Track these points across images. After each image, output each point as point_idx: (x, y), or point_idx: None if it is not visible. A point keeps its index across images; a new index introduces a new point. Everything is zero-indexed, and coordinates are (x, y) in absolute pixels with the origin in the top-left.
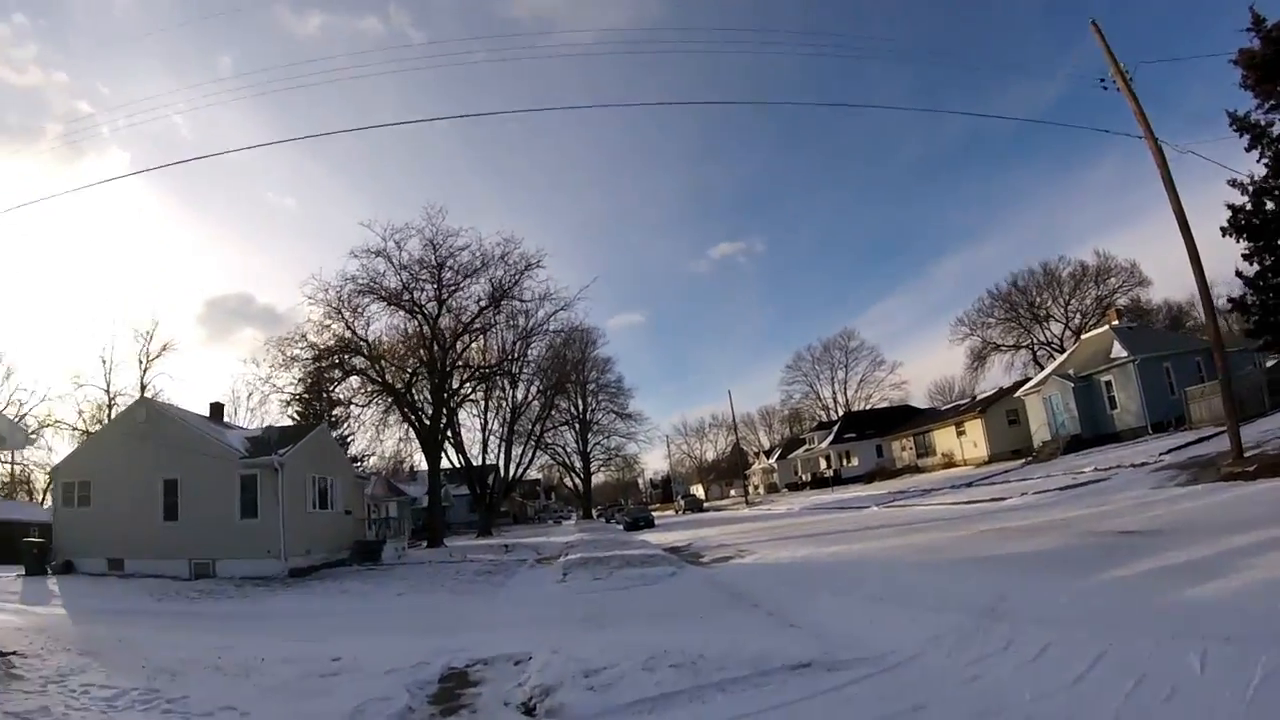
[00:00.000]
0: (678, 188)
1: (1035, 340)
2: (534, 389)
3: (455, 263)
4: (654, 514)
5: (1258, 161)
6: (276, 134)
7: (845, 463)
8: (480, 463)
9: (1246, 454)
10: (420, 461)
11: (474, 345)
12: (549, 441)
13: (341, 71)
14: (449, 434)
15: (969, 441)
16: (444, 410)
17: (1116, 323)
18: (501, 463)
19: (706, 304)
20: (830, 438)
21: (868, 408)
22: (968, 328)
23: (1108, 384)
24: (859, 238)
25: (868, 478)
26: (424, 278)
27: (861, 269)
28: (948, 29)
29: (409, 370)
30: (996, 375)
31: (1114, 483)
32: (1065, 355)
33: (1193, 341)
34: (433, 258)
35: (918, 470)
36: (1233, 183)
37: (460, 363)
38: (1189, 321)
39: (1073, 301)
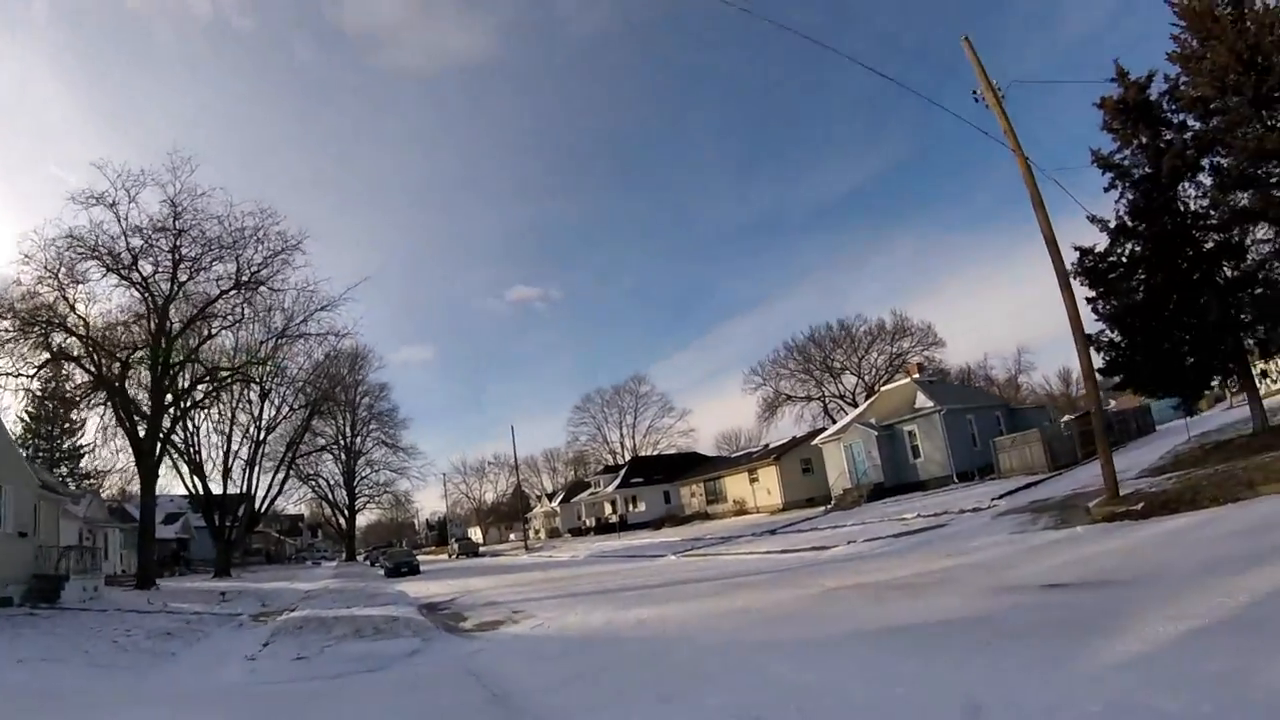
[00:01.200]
0: (486, 227)
1: (827, 393)
2: (290, 406)
3: (200, 233)
4: (424, 558)
5: (1116, 200)
6: None
7: (631, 508)
8: (223, 490)
9: (1121, 494)
10: (170, 485)
11: (213, 340)
12: (310, 472)
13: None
14: (176, 449)
15: (762, 489)
16: (165, 415)
17: (917, 375)
18: (248, 491)
19: (499, 345)
20: (617, 482)
21: (656, 453)
22: (761, 378)
23: (911, 433)
24: (657, 295)
25: (656, 524)
26: (160, 245)
27: (657, 325)
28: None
29: (121, 359)
30: (786, 427)
31: (957, 529)
32: (866, 405)
33: (990, 397)
34: (173, 223)
35: (708, 517)
36: (1093, 218)
37: (194, 358)
38: (976, 384)
39: (868, 358)
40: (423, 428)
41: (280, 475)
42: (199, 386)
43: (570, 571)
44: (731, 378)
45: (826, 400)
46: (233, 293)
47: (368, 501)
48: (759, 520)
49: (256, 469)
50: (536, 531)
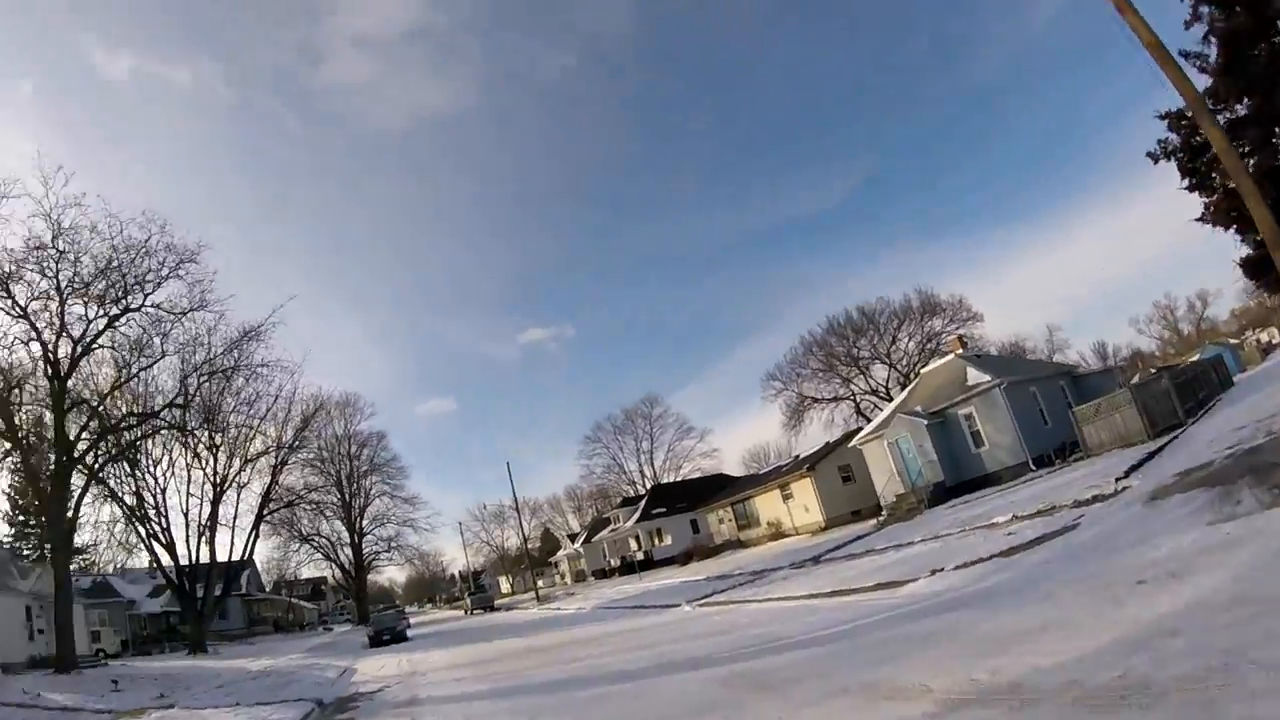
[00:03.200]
0: (486, 276)
1: (856, 390)
2: (243, 459)
3: (75, 242)
4: (442, 615)
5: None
6: None
7: (656, 541)
8: (193, 557)
9: None
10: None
11: (130, 383)
12: (310, 531)
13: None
14: (131, 512)
15: (798, 506)
16: (74, 469)
17: (961, 351)
18: (212, 557)
19: (516, 389)
20: (637, 515)
21: (678, 479)
22: (780, 382)
23: (968, 417)
24: (667, 324)
25: (683, 557)
26: (31, 266)
27: (671, 354)
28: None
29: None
30: (815, 435)
31: (1101, 530)
32: (906, 392)
33: (1049, 365)
34: (51, 241)
35: (740, 545)
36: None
37: (91, 405)
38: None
39: (897, 343)
40: (449, 477)
41: (251, 536)
42: (109, 438)
43: (558, 636)
44: (752, 397)
45: (857, 398)
46: (122, 320)
47: (373, 559)
48: (799, 545)
49: (213, 531)
50: (562, 576)
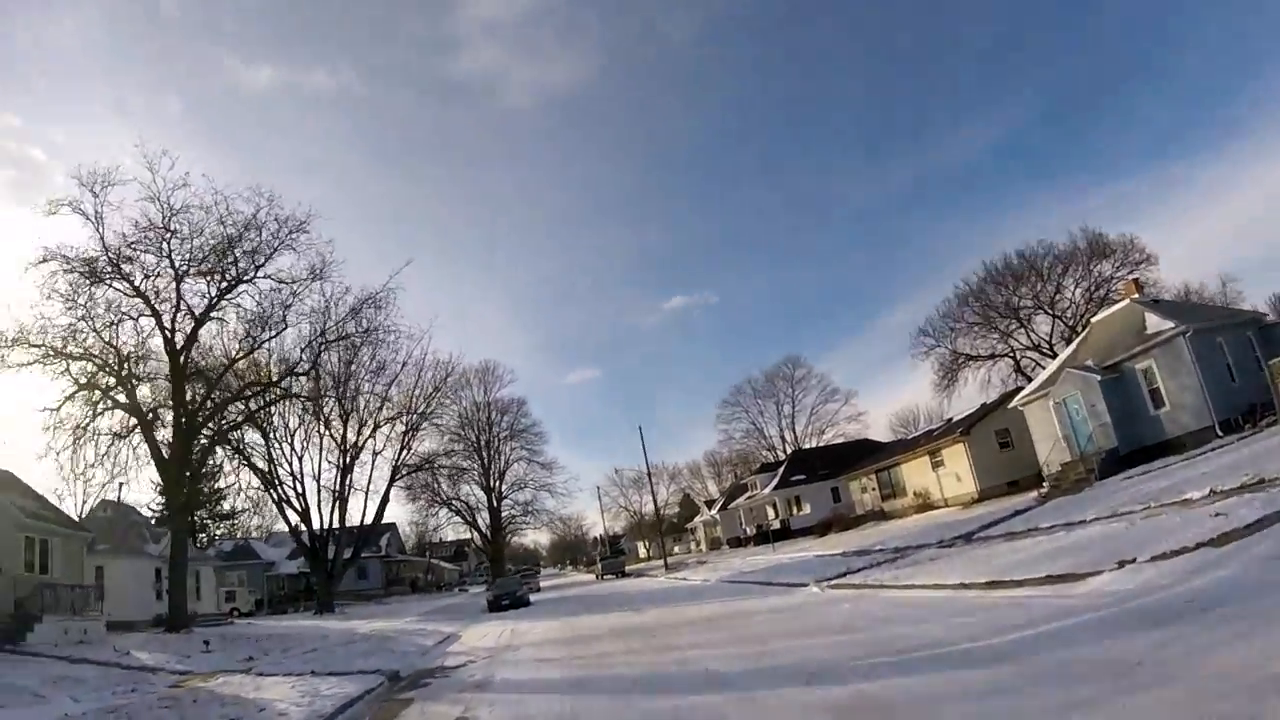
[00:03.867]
0: (626, 246)
1: (1016, 346)
2: (374, 424)
3: (187, 222)
4: (576, 579)
5: None
6: None
7: (794, 510)
8: (325, 521)
9: None
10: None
11: (252, 354)
12: (451, 495)
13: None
14: (267, 479)
15: (949, 475)
16: (196, 440)
17: (1138, 296)
18: (348, 519)
19: (660, 357)
20: (775, 481)
21: (820, 444)
22: (932, 338)
23: (1146, 372)
24: (811, 290)
25: (821, 528)
26: (149, 247)
27: (816, 320)
28: (883, 80)
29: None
30: (971, 397)
31: None
32: (1074, 345)
33: (1236, 312)
34: (163, 221)
35: (883, 516)
36: None
37: (210, 374)
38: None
39: (1062, 291)
40: (592, 447)
41: (383, 500)
42: (232, 407)
43: (669, 614)
44: (899, 362)
45: (1017, 355)
46: (239, 290)
47: (510, 522)
48: (948, 517)
49: (343, 496)
50: (698, 543)
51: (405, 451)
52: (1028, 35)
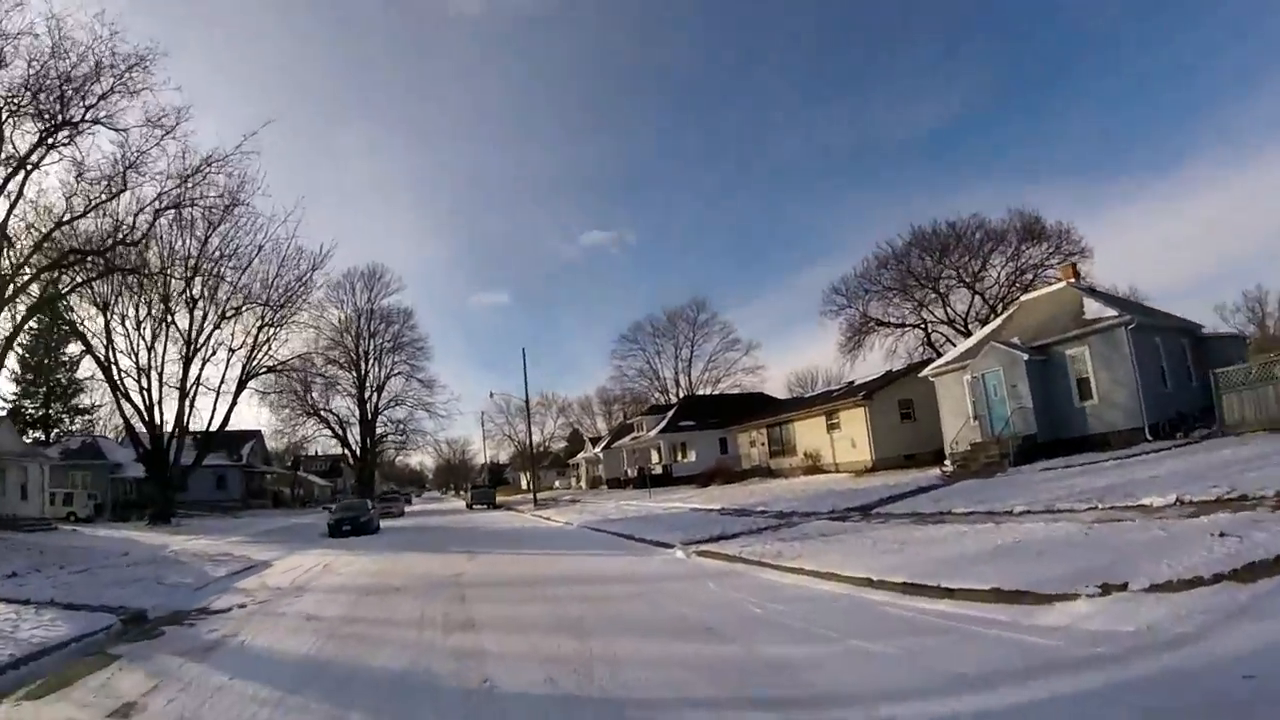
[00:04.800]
0: (549, 164)
1: (930, 318)
2: (225, 312)
3: (16, 50)
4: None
5: None
6: None
7: (679, 456)
8: (168, 421)
9: None
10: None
11: (68, 215)
12: (320, 405)
13: None
14: (101, 363)
15: (844, 439)
16: None
17: (1074, 280)
18: (187, 419)
19: (572, 292)
20: (662, 424)
21: (714, 393)
22: (845, 298)
23: (1077, 359)
24: (730, 236)
25: (704, 478)
26: None
27: (730, 271)
28: (834, 34)
29: None
30: (874, 364)
31: None
32: (999, 321)
33: (1172, 317)
34: None
35: (770, 473)
36: None
37: (35, 229)
38: None
39: (988, 269)
40: (497, 372)
41: (232, 402)
42: (42, 276)
43: (502, 566)
44: (808, 323)
45: (929, 328)
46: (58, 137)
47: (382, 440)
48: (840, 484)
49: (183, 394)
50: (578, 480)
51: (259, 350)
52: (987, 14)
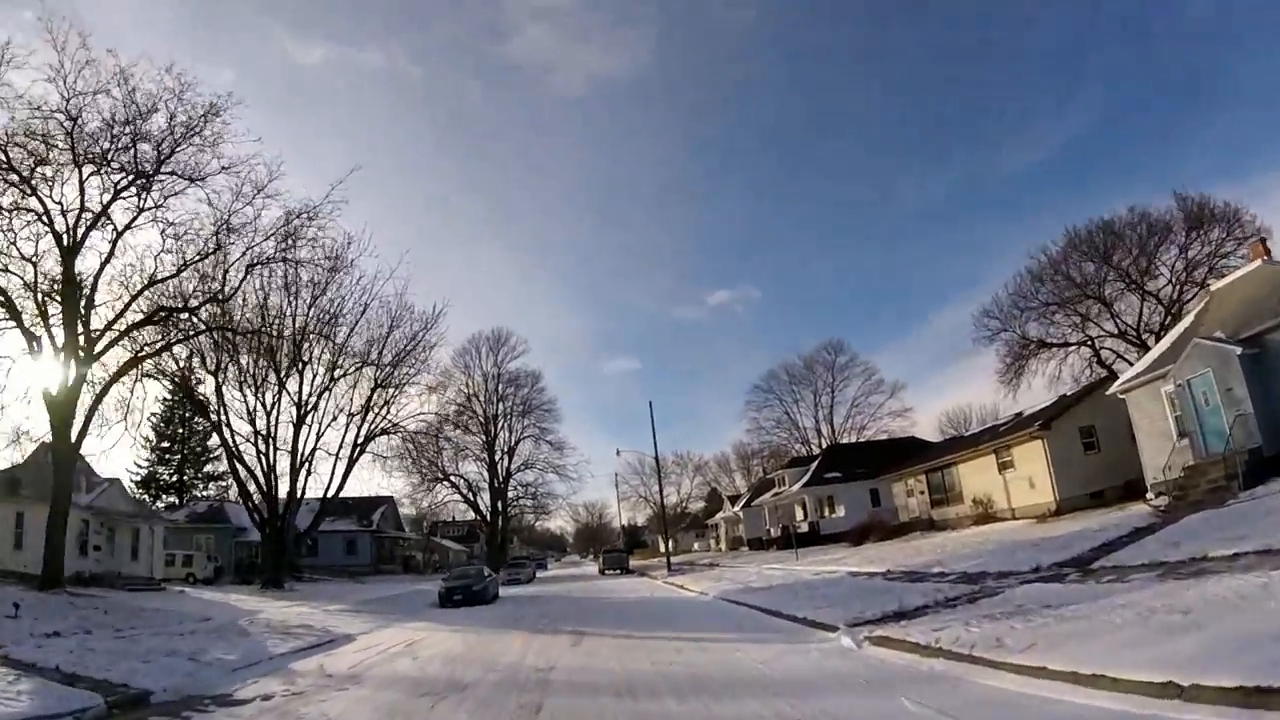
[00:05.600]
0: (667, 233)
1: (1097, 333)
2: (337, 373)
3: (85, 105)
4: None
5: None
6: None
7: (826, 512)
8: (269, 487)
9: None
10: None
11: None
12: (449, 470)
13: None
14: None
15: (1019, 479)
16: (87, 367)
17: (1267, 258)
18: (299, 484)
19: (700, 352)
20: (806, 477)
21: (860, 440)
22: (998, 319)
23: None
24: (858, 287)
25: (856, 535)
26: (56, 141)
27: (854, 322)
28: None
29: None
30: (1035, 396)
31: None
32: (1189, 319)
33: None
34: (65, 105)
35: (931, 526)
36: None
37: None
38: None
39: (1155, 268)
40: (630, 438)
41: (349, 466)
42: (129, 335)
43: (613, 655)
44: (949, 364)
45: (1096, 345)
46: (132, 193)
47: (515, 504)
48: (1023, 533)
49: (300, 454)
50: (717, 540)
51: (374, 413)
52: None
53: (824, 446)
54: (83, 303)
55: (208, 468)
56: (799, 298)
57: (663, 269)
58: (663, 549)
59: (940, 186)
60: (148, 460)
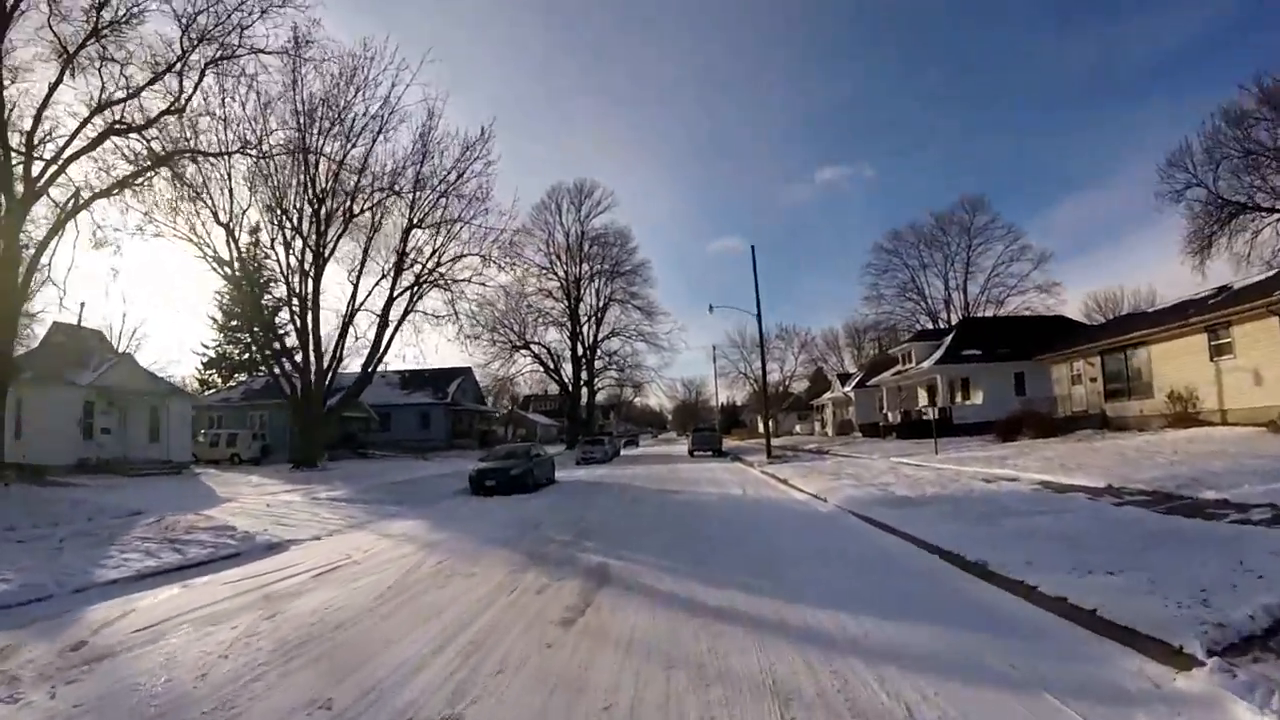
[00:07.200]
0: (779, 109)
1: None
2: (349, 206)
3: None
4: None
5: None
6: None
7: (960, 397)
8: (310, 359)
9: None
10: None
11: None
12: (530, 339)
13: None
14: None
15: (1238, 371)
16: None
17: None
18: (322, 347)
19: (808, 230)
20: (938, 354)
21: (1000, 314)
22: (1189, 171)
23: None
24: (976, 170)
25: (1004, 428)
26: None
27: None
28: None
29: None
30: (1218, 277)
31: None
32: None
33: None
34: None
35: (1105, 424)
36: None
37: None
38: None
39: None
40: (734, 322)
41: (395, 326)
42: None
43: (666, 637)
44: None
45: None
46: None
47: (601, 374)
48: (1251, 445)
49: (314, 316)
50: (824, 424)
51: (415, 262)
52: None
53: (954, 321)
54: (9, 113)
55: (276, 344)
56: (912, 180)
57: (771, 146)
58: (761, 429)
59: (1069, 68)
60: (214, 341)
